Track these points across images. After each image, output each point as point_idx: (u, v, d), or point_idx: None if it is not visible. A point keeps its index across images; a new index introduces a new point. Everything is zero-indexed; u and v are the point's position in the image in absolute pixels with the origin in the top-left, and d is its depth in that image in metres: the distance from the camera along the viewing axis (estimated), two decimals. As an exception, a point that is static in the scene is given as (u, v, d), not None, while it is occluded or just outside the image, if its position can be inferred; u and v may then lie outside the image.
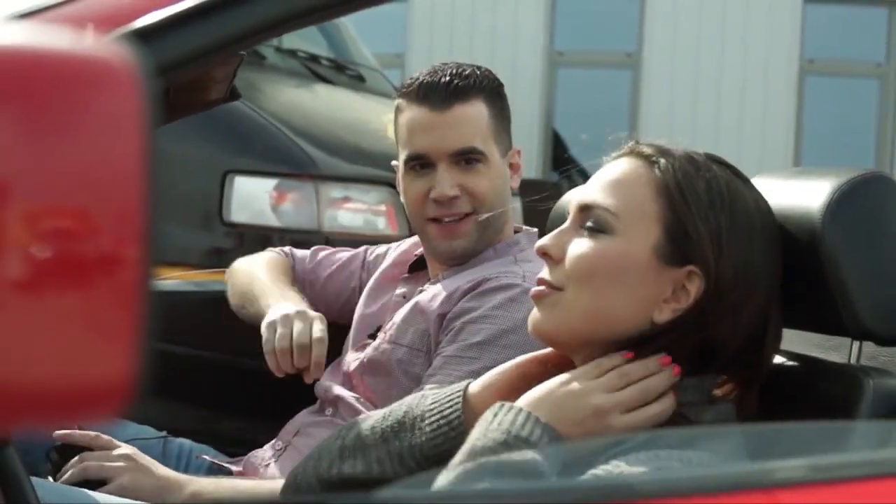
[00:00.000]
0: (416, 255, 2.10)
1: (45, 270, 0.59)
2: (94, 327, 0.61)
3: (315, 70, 4.78)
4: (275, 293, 2.08)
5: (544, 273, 1.34)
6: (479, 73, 1.97)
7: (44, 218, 0.59)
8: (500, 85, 2.01)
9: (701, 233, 1.25)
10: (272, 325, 1.95)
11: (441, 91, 1.93)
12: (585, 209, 1.31)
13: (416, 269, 2.08)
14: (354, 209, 4.11)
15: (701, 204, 1.27)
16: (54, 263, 0.59)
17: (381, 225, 4.15)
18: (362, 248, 2.29)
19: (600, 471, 1.14)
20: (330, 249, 2.32)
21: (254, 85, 4.19)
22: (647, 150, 1.32)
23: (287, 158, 4.00)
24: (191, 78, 1.51)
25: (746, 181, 1.34)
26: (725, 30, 9.84)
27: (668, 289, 1.26)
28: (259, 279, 2.17)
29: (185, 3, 0.91)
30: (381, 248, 2.25)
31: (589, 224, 1.30)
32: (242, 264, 2.28)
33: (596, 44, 10.26)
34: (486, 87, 1.96)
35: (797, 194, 1.38)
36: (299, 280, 2.24)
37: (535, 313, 1.34)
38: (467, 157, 1.93)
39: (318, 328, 1.92)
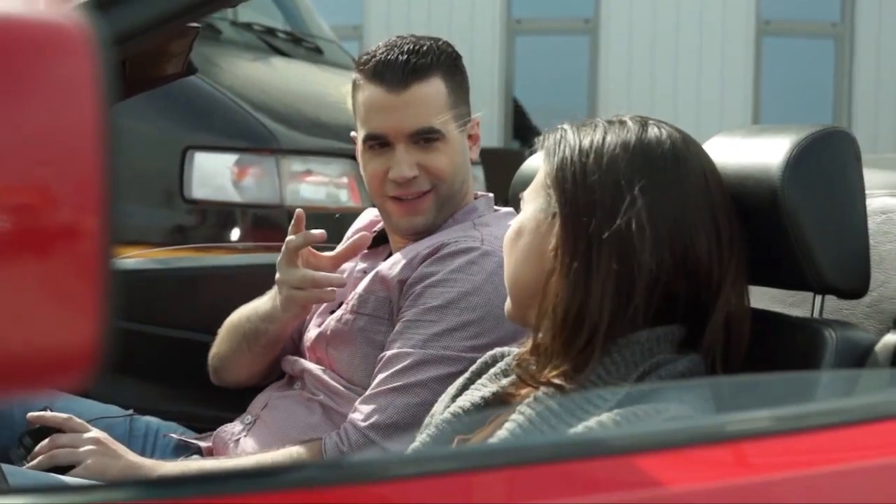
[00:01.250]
0: (374, 231, 2.09)
1: (4, 241, 0.58)
2: (54, 297, 0.60)
3: (272, 43, 4.75)
4: (256, 317, 2.08)
5: None
6: (436, 47, 1.95)
7: (0, 189, 0.58)
8: (458, 57, 1.99)
9: (562, 181, 1.33)
10: (290, 299, 1.95)
11: (398, 70, 1.90)
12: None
13: (376, 244, 2.08)
14: (316, 182, 4.10)
15: (566, 158, 1.34)
16: (12, 234, 0.58)
17: (344, 197, 4.14)
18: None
19: (579, 429, 1.16)
20: None
21: (210, 60, 4.16)
22: (546, 143, 1.41)
23: (247, 133, 3.98)
24: (147, 52, 1.49)
25: (666, 126, 1.37)
26: (681, -7, 9.86)
27: (552, 240, 1.33)
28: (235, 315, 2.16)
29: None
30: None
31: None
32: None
33: (553, 11, 10.25)
34: (444, 63, 1.94)
35: (757, 152, 1.38)
36: None
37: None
38: (425, 137, 1.92)
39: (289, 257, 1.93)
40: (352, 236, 2.15)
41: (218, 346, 2.17)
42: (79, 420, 1.89)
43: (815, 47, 10.30)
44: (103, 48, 0.57)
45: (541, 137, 1.42)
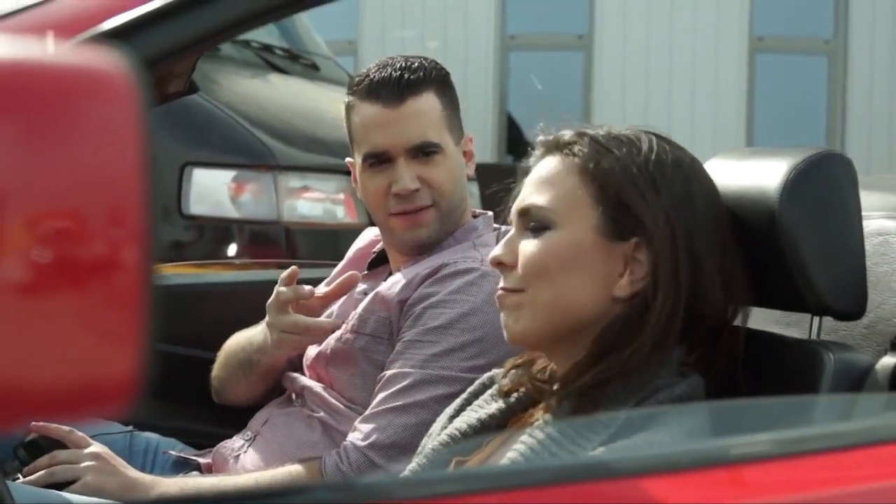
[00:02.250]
0: (374, 253, 2.11)
1: (47, 274, 0.60)
2: (94, 328, 0.62)
3: (269, 60, 4.77)
4: (250, 348, 2.10)
5: (502, 282, 1.38)
6: (427, 64, 1.97)
7: (45, 223, 0.60)
8: (447, 74, 2.01)
9: (633, 201, 1.30)
10: (281, 341, 1.97)
11: (393, 86, 1.92)
12: (525, 213, 1.36)
13: (375, 265, 2.09)
14: (313, 198, 4.12)
15: (626, 174, 1.31)
16: (55, 267, 0.60)
17: (341, 213, 4.16)
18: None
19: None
20: None
21: (209, 76, 4.17)
22: (564, 139, 1.37)
23: (244, 149, 4.00)
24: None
25: (675, 145, 1.37)
26: (675, 9, 9.89)
27: (620, 263, 1.31)
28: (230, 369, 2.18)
29: (155, 3, 0.92)
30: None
31: (531, 225, 1.35)
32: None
33: (548, 27, 10.28)
34: (436, 79, 1.96)
35: (754, 174, 1.40)
36: None
37: (504, 319, 1.37)
38: (425, 150, 1.93)
39: (282, 300, 1.94)
40: (352, 256, 2.16)
41: (217, 370, 2.20)
42: (80, 433, 1.90)
43: (809, 64, 10.33)
44: (142, 88, 0.60)
45: (544, 142, 1.39)
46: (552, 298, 1.32)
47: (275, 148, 4.04)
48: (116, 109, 0.60)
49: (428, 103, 1.94)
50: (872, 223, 1.61)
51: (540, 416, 1.31)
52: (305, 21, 5.37)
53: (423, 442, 1.49)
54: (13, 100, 0.59)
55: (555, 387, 1.33)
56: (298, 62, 5.00)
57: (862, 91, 10.06)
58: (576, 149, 1.34)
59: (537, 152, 1.41)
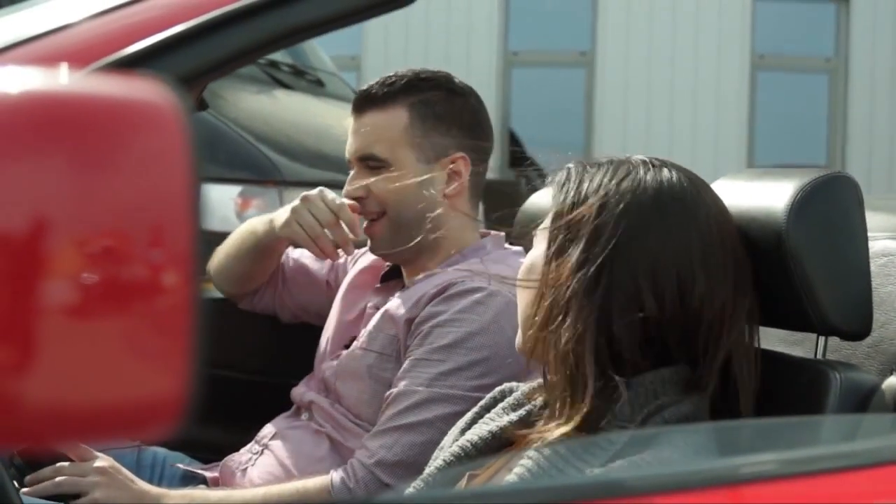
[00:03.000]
0: (387, 266, 2.12)
1: (96, 297, 0.63)
2: (141, 351, 0.64)
3: (275, 76, 4.78)
4: (263, 218, 2.19)
5: None
6: (413, 78, 2.00)
7: (94, 248, 0.63)
8: (446, 88, 2.02)
9: (558, 232, 1.37)
10: (289, 223, 2.02)
11: (361, 97, 2.01)
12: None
13: (388, 279, 2.11)
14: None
15: (565, 206, 1.37)
16: (103, 291, 0.63)
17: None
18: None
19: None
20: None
21: (215, 92, 4.19)
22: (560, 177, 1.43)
23: (250, 165, 4.01)
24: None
25: (667, 184, 1.37)
26: (677, 27, 9.93)
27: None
28: (238, 230, 2.26)
29: (184, 25, 0.94)
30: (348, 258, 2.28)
31: None
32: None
33: (550, 43, 10.32)
34: (417, 92, 1.98)
35: (761, 196, 1.41)
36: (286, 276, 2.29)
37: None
38: (369, 163, 1.99)
39: (331, 197, 2.01)
40: (367, 266, 2.18)
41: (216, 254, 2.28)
42: (84, 447, 1.89)
43: (810, 82, 10.37)
44: (189, 118, 0.62)
45: (551, 175, 1.44)
46: (519, 310, 1.43)
47: (280, 163, 4.05)
48: (164, 140, 0.63)
49: (389, 117, 1.98)
50: (877, 244, 1.62)
51: (547, 432, 1.33)
52: (337, 30, 5.39)
53: (435, 454, 1.51)
54: (64, 131, 0.61)
55: (557, 407, 1.35)
56: (304, 78, 5.02)
57: (862, 109, 10.09)
58: (559, 193, 1.40)
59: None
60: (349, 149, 2.02)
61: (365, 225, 2.03)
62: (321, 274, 2.26)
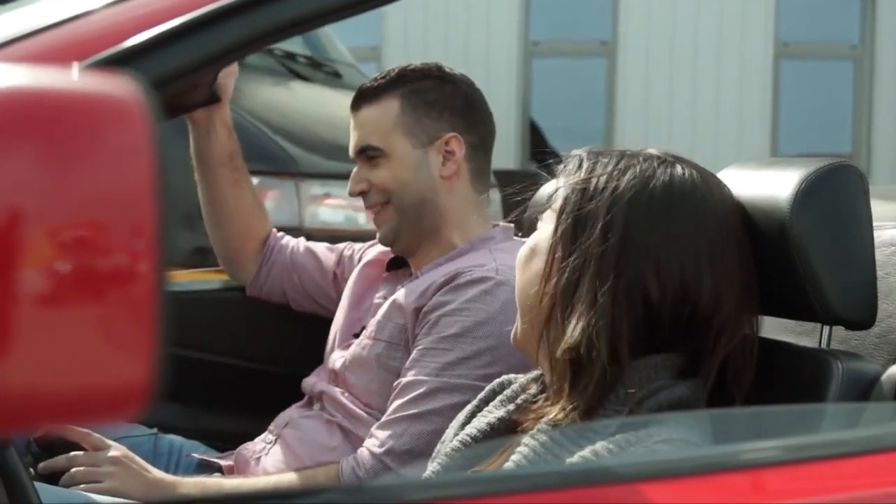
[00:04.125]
0: (392, 254, 2.14)
1: (66, 285, 0.65)
2: (111, 337, 0.67)
3: (292, 67, 4.79)
4: None
5: None
6: (401, 70, 2.07)
7: (65, 238, 0.65)
8: (436, 77, 2.07)
9: (563, 197, 1.37)
10: None
11: (356, 95, 2.09)
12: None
13: (393, 267, 2.12)
14: (335, 205, 4.14)
15: (575, 194, 1.37)
16: (74, 279, 0.65)
17: (362, 220, 4.18)
18: (341, 245, 2.34)
19: (576, 459, 1.19)
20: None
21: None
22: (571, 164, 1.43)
23: (267, 157, 4.02)
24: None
25: (675, 177, 1.37)
26: (700, 16, 9.88)
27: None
28: None
29: (168, 24, 0.95)
30: (358, 245, 2.30)
31: None
32: None
33: (570, 33, 10.29)
34: (407, 82, 2.05)
35: (767, 184, 1.42)
36: (286, 266, 2.30)
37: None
38: (367, 154, 2.05)
39: None
40: (373, 259, 2.19)
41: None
42: (97, 436, 1.92)
43: (834, 70, 10.31)
44: (154, 111, 0.64)
45: (561, 164, 1.45)
46: (517, 292, 1.43)
47: (297, 155, 4.06)
48: (130, 134, 0.65)
49: (381, 109, 2.05)
50: (885, 233, 1.62)
51: (546, 415, 1.34)
52: (328, 28, 5.41)
53: (437, 448, 1.52)
54: (35, 124, 0.63)
55: (554, 396, 1.36)
56: (321, 70, 5.02)
57: (888, 97, 10.03)
58: (570, 179, 1.39)
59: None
60: (350, 146, 2.09)
61: (372, 217, 2.09)
62: (329, 265, 2.29)
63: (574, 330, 1.30)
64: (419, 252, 2.06)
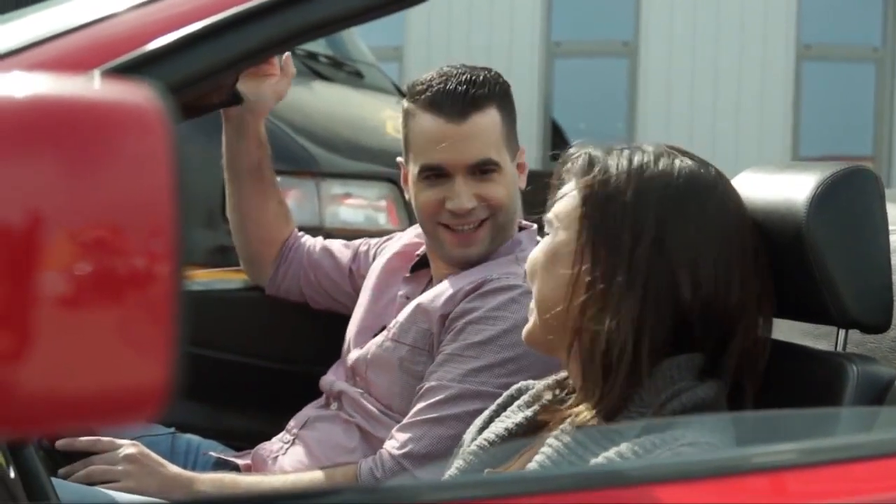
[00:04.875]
0: (417, 255, 2.13)
1: (86, 288, 0.66)
2: (129, 339, 0.68)
3: (313, 67, 4.80)
4: None
5: None
6: (491, 78, 1.97)
7: (84, 241, 0.66)
8: (509, 87, 2.01)
9: (587, 198, 1.37)
10: None
11: (458, 101, 1.92)
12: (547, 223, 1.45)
13: (418, 268, 2.12)
14: (355, 205, 4.14)
15: (603, 197, 1.35)
16: (93, 281, 0.66)
17: (382, 220, 4.18)
18: (357, 241, 2.33)
19: (601, 460, 1.20)
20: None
21: (253, 84, 4.21)
22: (577, 166, 1.41)
23: (287, 156, 4.03)
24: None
25: (693, 173, 1.37)
26: (721, 17, 9.85)
27: (588, 276, 1.34)
28: None
29: (187, 29, 0.96)
30: (374, 241, 2.29)
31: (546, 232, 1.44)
32: None
33: (593, 33, 10.28)
34: (499, 93, 1.96)
35: (783, 188, 1.42)
36: (301, 264, 2.30)
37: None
38: (483, 168, 1.94)
39: None
40: (399, 251, 2.18)
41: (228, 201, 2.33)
42: (106, 439, 1.92)
43: (856, 72, 10.26)
44: (172, 119, 0.65)
45: (566, 159, 1.44)
46: (538, 296, 1.41)
47: (318, 155, 4.07)
48: (149, 140, 0.66)
49: (490, 120, 1.94)
50: (902, 237, 1.62)
51: (566, 423, 1.34)
52: (350, 28, 5.41)
53: (455, 452, 1.53)
54: (56, 131, 0.64)
55: (579, 397, 1.36)
56: (342, 69, 5.03)
57: (910, 100, 9.97)
58: (586, 179, 1.38)
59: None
60: (454, 156, 1.94)
61: (464, 230, 1.97)
62: (345, 261, 2.28)
63: (607, 333, 1.29)
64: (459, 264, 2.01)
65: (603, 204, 1.35)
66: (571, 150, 1.44)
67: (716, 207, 1.35)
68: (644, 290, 1.30)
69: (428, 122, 1.94)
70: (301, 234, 2.35)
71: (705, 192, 1.35)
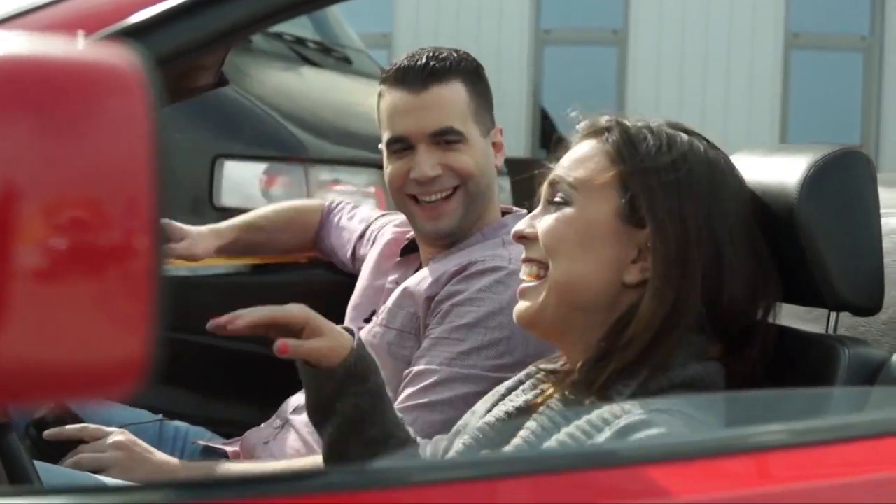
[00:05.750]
0: (407, 239, 2.13)
1: (63, 261, 0.64)
2: (107, 313, 0.66)
3: (301, 53, 4.78)
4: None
5: (524, 253, 1.42)
6: (456, 55, 2.00)
7: (61, 212, 0.64)
8: (479, 66, 2.03)
9: (652, 195, 1.31)
10: None
11: (417, 73, 1.95)
12: (552, 185, 1.39)
13: (408, 252, 2.11)
14: (344, 191, 4.13)
15: (649, 165, 1.33)
16: (71, 254, 0.64)
17: (371, 206, 4.17)
18: (374, 218, 2.35)
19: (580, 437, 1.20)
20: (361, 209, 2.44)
21: (240, 69, 4.19)
22: (601, 125, 1.39)
23: (276, 142, 4.01)
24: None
25: (710, 145, 1.38)
26: (710, 5, 9.85)
27: (634, 250, 1.32)
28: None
29: (174, 1, 0.95)
30: (383, 221, 2.29)
31: (556, 199, 1.37)
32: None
33: (582, 21, 10.27)
34: (464, 69, 1.99)
35: (775, 171, 1.42)
36: (327, 230, 2.40)
37: (519, 304, 1.40)
38: (446, 138, 1.96)
39: None
40: (392, 239, 2.19)
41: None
42: (93, 426, 1.92)
43: (844, 61, 10.27)
44: (153, 83, 0.63)
45: (585, 126, 1.42)
46: (566, 275, 1.34)
47: (306, 141, 4.05)
48: (128, 104, 0.64)
49: (453, 91, 1.97)
50: (892, 220, 1.62)
51: (553, 400, 1.33)
52: (338, 14, 5.39)
53: (453, 433, 1.51)
54: (30, 94, 0.62)
55: (568, 375, 1.35)
56: (331, 55, 5.01)
57: (898, 88, 9.99)
58: (611, 136, 1.36)
59: (577, 135, 1.44)
60: (413, 125, 1.96)
61: (433, 201, 1.99)
62: (354, 237, 2.35)
63: (650, 313, 1.28)
64: (444, 244, 2.02)
65: (642, 179, 1.32)
66: (577, 114, 1.43)
67: (738, 183, 1.35)
68: (694, 269, 1.29)
69: (393, 96, 1.98)
70: (333, 205, 2.45)
71: (725, 167, 1.36)
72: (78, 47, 0.66)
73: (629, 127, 1.37)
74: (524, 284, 1.40)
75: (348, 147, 4.18)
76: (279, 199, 4.08)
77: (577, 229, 1.34)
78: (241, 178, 4.02)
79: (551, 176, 1.40)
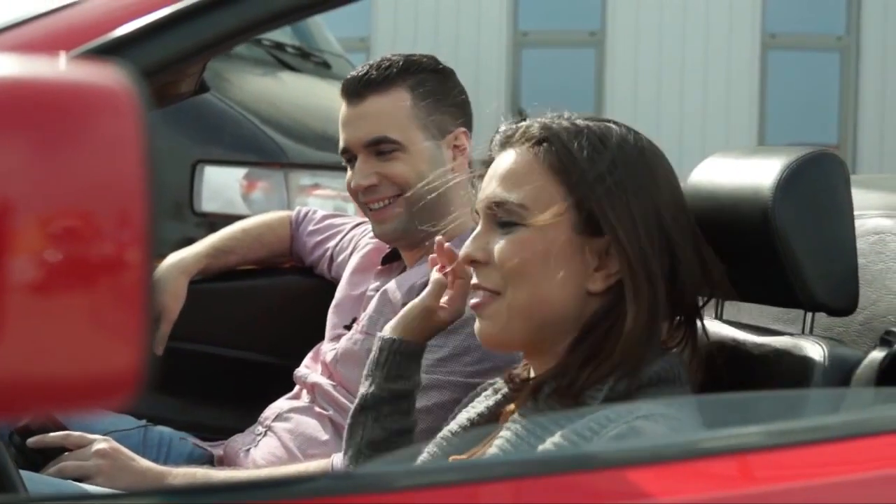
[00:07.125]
0: (388, 248, 2.13)
1: (56, 274, 0.65)
2: (101, 325, 0.67)
3: (280, 58, 4.78)
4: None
5: (476, 279, 1.37)
6: (406, 61, 2.00)
7: (55, 226, 0.65)
8: (438, 70, 2.03)
9: (602, 199, 1.31)
10: None
11: (355, 84, 1.98)
12: (494, 207, 1.35)
13: (389, 261, 2.12)
14: (324, 196, 4.14)
15: (593, 171, 1.32)
16: (64, 267, 0.66)
17: (351, 210, 4.18)
18: (351, 225, 2.34)
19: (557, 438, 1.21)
20: (332, 216, 2.41)
21: (220, 74, 4.20)
22: (530, 132, 1.36)
23: (256, 147, 4.02)
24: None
25: (639, 135, 1.38)
26: (687, 7, 9.89)
27: (595, 259, 1.32)
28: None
29: (158, 13, 0.96)
30: (362, 229, 2.29)
31: (504, 220, 1.34)
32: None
33: (560, 23, 10.29)
34: (410, 75, 1.98)
35: (749, 173, 1.43)
36: (300, 241, 2.37)
37: (479, 325, 1.38)
38: (379, 148, 1.97)
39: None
40: (375, 247, 2.19)
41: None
42: (76, 434, 1.91)
43: (821, 60, 10.32)
44: (144, 102, 0.65)
45: (507, 132, 1.40)
46: (530, 299, 1.32)
47: (286, 146, 4.06)
48: (119, 122, 0.65)
49: (391, 100, 1.97)
50: (868, 221, 1.63)
51: (526, 405, 1.34)
52: (317, 19, 5.40)
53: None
54: (26, 113, 0.64)
55: (538, 382, 1.36)
56: (310, 60, 5.01)
57: (874, 87, 10.04)
58: (545, 147, 1.34)
59: (496, 143, 1.41)
60: (351, 136, 1.98)
61: (377, 209, 2.00)
62: (331, 245, 2.33)
63: (636, 318, 1.29)
64: (416, 247, 2.02)
65: (596, 183, 1.31)
66: (504, 128, 1.42)
67: (664, 161, 1.37)
68: (655, 262, 1.30)
69: (342, 107, 2.01)
70: (303, 217, 2.41)
71: (660, 159, 1.37)
72: (69, 68, 0.67)
73: (560, 133, 1.34)
74: (477, 300, 1.36)
75: (328, 151, 4.18)
76: (259, 203, 4.08)
77: (536, 252, 1.32)
78: (221, 184, 4.02)
79: (494, 197, 1.35)
